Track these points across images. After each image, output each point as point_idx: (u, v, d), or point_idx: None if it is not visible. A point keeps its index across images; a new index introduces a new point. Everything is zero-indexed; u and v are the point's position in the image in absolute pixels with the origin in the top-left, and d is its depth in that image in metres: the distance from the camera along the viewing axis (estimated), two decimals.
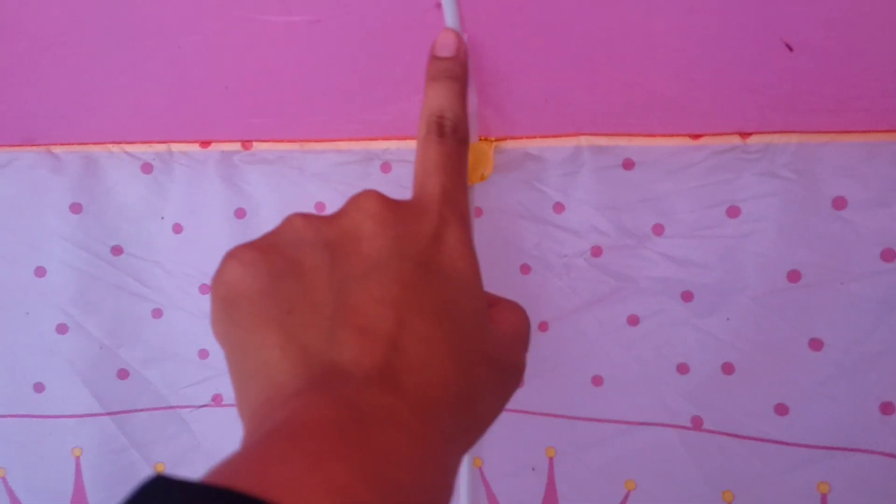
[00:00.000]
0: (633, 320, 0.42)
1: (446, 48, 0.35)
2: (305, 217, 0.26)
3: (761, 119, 0.38)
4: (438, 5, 0.36)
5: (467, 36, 0.37)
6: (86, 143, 0.46)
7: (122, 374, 0.47)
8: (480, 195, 0.43)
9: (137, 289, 0.46)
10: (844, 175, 0.37)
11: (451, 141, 0.30)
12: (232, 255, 0.25)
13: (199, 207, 0.46)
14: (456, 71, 0.34)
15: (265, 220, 0.45)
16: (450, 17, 0.36)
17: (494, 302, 0.29)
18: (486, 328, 0.25)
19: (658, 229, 0.41)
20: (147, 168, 0.45)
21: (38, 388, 0.47)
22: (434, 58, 0.35)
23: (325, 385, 0.20)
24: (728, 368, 0.41)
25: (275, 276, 0.23)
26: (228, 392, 0.47)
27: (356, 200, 0.26)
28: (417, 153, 0.30)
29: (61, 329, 0.46)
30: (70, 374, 0.47)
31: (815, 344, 0.39)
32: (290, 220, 0.26)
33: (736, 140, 0.39)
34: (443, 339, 0.23)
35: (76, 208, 0.45)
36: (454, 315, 0.24)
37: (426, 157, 0.29)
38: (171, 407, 0.48)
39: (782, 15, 0.34)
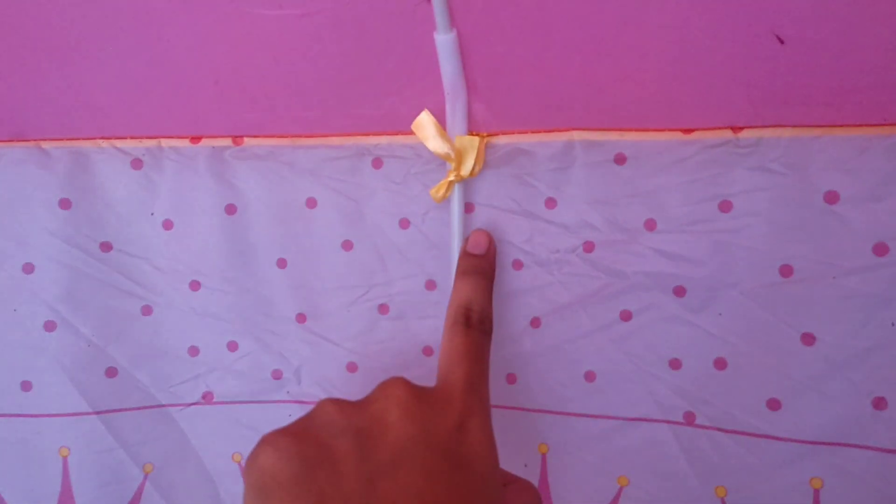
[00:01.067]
0: (626, 315, 0.42)
1: (478, 247, 0.40)
2: (337, 403, 0.28)
3: (753, 113, 0.38)
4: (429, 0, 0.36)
5: (456, 30, 0.37)
6: (75, 139, 0.45)
7: (111, 372, 0.47)
8: (471, 191, 0.43)
9: (126, 286, 0.46)
10: (836, 169, 0.37)
11: (477, 333, 0.33)
12: (266, 442, 0.26)
13: (190, 203, 0.45)
14: (485, 268, 0.38)
15: (256, 217, 0.45)
16: (440, 11, 0.36)
17: (510, 482, 0.31)
18: None
19: (650, 224, 0.41)
20: (137, 164, 0.45)
21: (25, 386, 0.47)
22: (466, 254, 0.39)
23: None
24: (720, 363, 0.41)
25: (307, 464, 0.24)
26: (219, 389, 0.47)
27: (385, 387, 0.28)
28: (444, 341, 0.33)
29: (49, 326, 0.46)
30: (58, 373, 0.46)
31: (808, 338, 0.39)
32: (322, 406, 0.28)
33: (728, 134, 0.39)
34: None
35: (65, 204, 0.45)
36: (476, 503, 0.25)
37: (452, 346, 0.32)
38: (160, 405, 0.47)
39: (774, 7, 0.34)
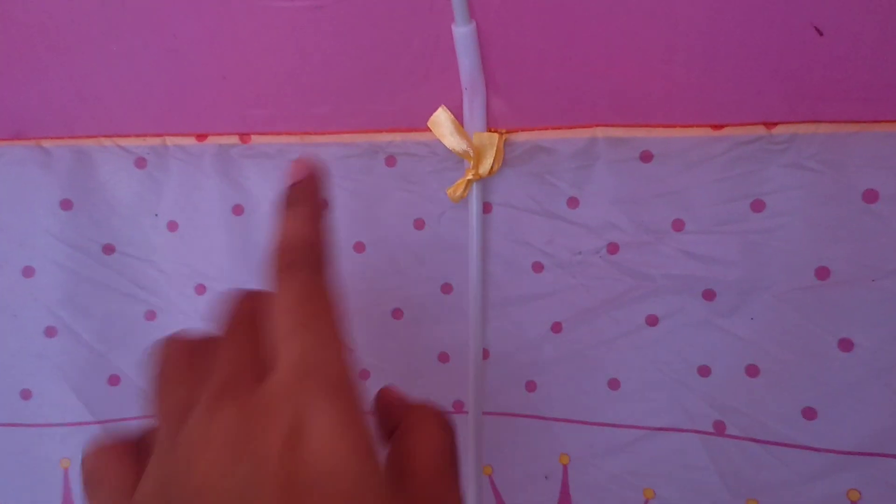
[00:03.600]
0: (652, 320, 0.40)
1: (289, 179, 0.26)
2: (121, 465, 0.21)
3: (788, 108, 0.36)
4: None
5: (475, 23, 0.36)
6: (77, 137, 0.44)
7: (114, 380, 0.45)
8: (490, 190, 0.41)
9: (130, 289, 0.44)
10: (875, 166, 0.36)
11: (302, 274, 0.22)
12: None
13: (195, 204, 0.44)
14: (302, 196, 0.26)
15: (264, 217, 0.43)
16: (458, 2, 0.35)
17: (403, 421, 0.23)
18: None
19: (678, 225, 0.39)
20: (141, 163, 0.43)
21: (25, 394, 0.45)
22: (283, 190, 0.27)
23: None
24: (752, 371, 0.39)
25: None
26: None
27: (191, 428, 0.20)
28: (269, 312, 0.22)
29: (50, 332, 0.44)
30: (59, 380, 0.44)
31: (845, 344, 0.37)
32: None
33: (761, 130, 0.37)
34: None
35: (66, 205, 0.43)
36: None
37: (277, 313, 0.22)
38: None
39: None
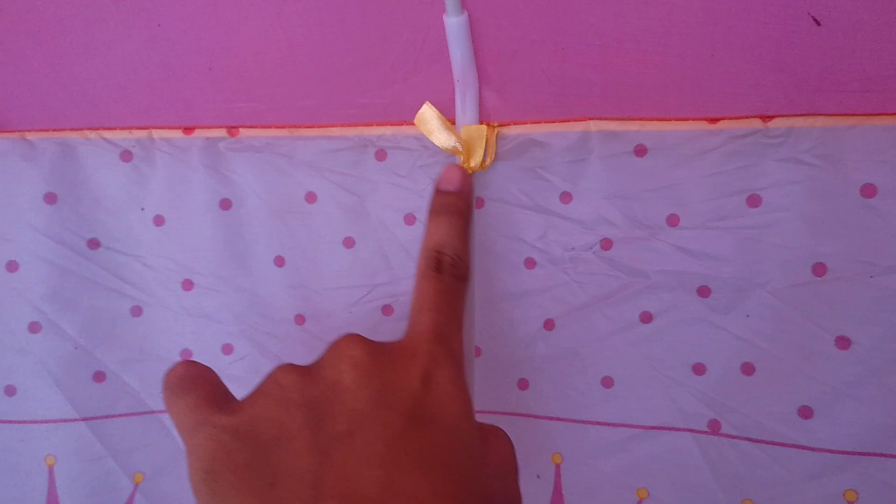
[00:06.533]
0: (646, 317, 0.39)
1: (451, 183, 0.36)
2: (288, 372, 0.25)
3: (785, 101, 0.36)
4: None
5: (467, 13, 0.35)
6: (62, 129, 0.43)
7: (99, 376, 0.44)
8: (481, 184, 0.40)
9: (115, 284, 0.44)
10: (874, 161, 0.35)
11: (449, 277, 0.30)
12: (213, 425, 0.24)
13: (182, 198, 0.43)
14: (459, 206, 0.34)
15: (252, 212, 0.43)
16: None
17: (485, 432, 0.28)
18: (482, 470, 0.24)
19: (672, 220, 0.38)
20: (126, 156, 0.43)
21: (9, 390, 0.44)
22: (438, 192, 0.36)
23: None
24: (748, 369, 0.38)
25: (258, 447, 0.22)
26: None
27: (337, 348, 0.26)
28: (414, 288, 0.30)
29: (34, 328, 0.43)
30: (43, 377, 0.44)
31: (842, 342, 0.36)
32: (274, 378, 0.25)
33: (757, 124, 0.36)
34: (435, 494, 0.21)
35: (51, 198, 0.43)
36: (447, 464, 0.22)
37: (422, 293, 0.29)
38: (151, 411, 0.45)
39: None
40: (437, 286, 0.29)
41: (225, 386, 0.28)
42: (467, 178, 0.37)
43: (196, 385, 0.27)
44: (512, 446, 0.28)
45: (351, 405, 0.23)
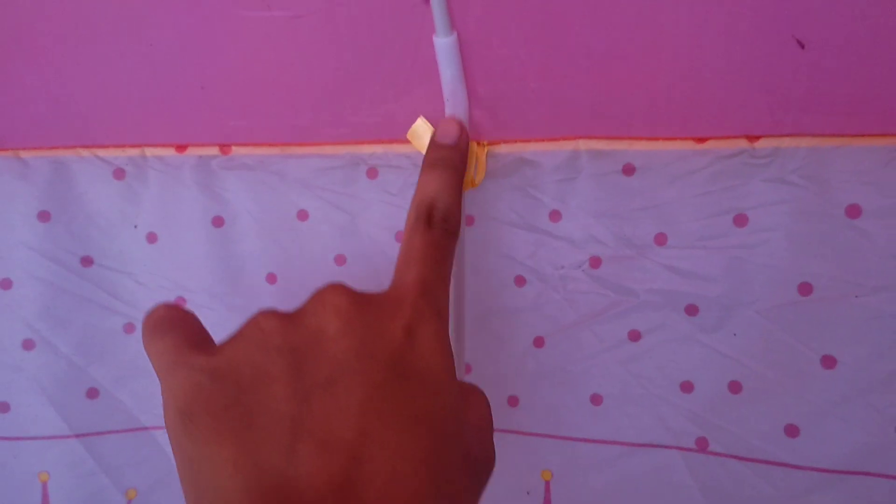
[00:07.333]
0: (634, 335, 0.40)
1: (448, 136, 0.35)
2: (270, 317, 0.25)
3: (771, 121, 0.36)
4: (427, 0, 0.34)
5: (457, 33, 0.35)
6: (55, 148, 0.43)
7: (92, 392, 0.44)
8: (472, 202, 0.41)
9: (109, 302, 0.44)
10: (859, 181, 0.35)
11: (439, 231, 0.30)
12: (191, 365, 0.24)
13: (175, 216, 0.43)
14: (454, 160, 0.34)
15: (244, 229, 0.43)
16: (439, 13, 0.34)
17: (464, 391, 0.28)
18: (461, 425, 0.24)
19: (660, 239, 0.39)
20: (119, 174, 0.43)
21: (3, 407, 0.44)
22: (435, 144, 0.35)
23: None
24: (735, 387, 0.38)
25: (237, 389, 0.22)
26: None
27: (321, 295, 0.26)
28: (403, 240, 0.30)
29: (27, 345, 0.44)
30: (37, 393, 0.44)
31: (828, 361, 0.37)
32: (255, 322, 0.25)
33: (743, 144, 0.37)
34: (414, 445, 0.21)
35: (44, 217, 0.43)
36: (427, 416, 0.22)
37: (410, 246, 0.29)
38: (144, 428, 0.45)
39: (794, 8, 0.32)
40: (427, 240, 0.29)
41: (205, 330, 0.28)
42: (464, 132, 0.36)
43: (175, 327, 0.27)
44: (488, 404, 0.28)
45: (333, 353, 0.23)
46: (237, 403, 0.22)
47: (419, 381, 0.23)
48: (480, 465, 0.25)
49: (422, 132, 0.38)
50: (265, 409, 0.22)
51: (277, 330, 0.24)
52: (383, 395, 0.22)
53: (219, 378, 0.23)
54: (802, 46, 0.33)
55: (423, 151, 0.39)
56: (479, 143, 0.40)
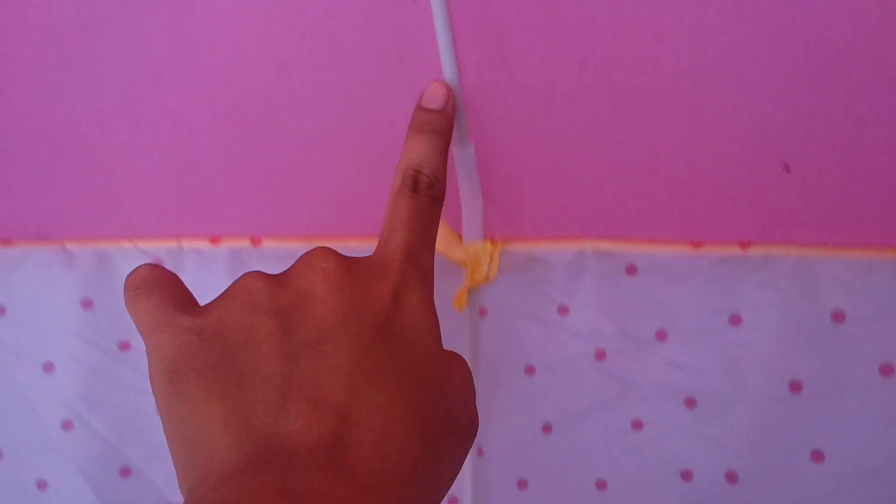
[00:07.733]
0: (637, 425, 0.42)
1: (434, 101, 0.34)
2: (257, 279, 0.25)
3: (761, 230, 0.39)
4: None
5: (473, 145, 0.39)
6: (99, 239, 0.46)
7: (125, 471, 0.47)
8: (486, 296, 0.44)
9: (143, 384, 0.46)
10: (843, 289, 0.38)
11: (425, 197, 0.29)
12: (177, 325, 0.23)
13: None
14: (440, 125, 0.33)
15: None
16: (457, 127, 0.37)
17: (445, 357, 0.28)
18: (446, 389, 0.24)
19: (661, 335, 0.41)
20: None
21: (42, 485, 0.47)
22: (420, 108, 0.34)
23: (264, 465, 0.19)
24: (732, 477, 0.41)
25: (224, 349, 0.22)
26: None
27: (310, 258, 0.26)
28: (388, 206, 0.29)
29: (67, 426, 0.46)
30: (74, 472, 0.46)
31: (817, 456, 0.39)
32: (242, 283, 0.25)
33: (737, 249, 0.40)
34: (402, 406, 0.22)
35: (87, 304, 0.46)
36: (414, 380, 0.23)
37: (396, 211, 0.29)
38: None
39: (780, 136, 0.36)
40: (412, 205, 0.29)
41: (190, 292, 0.27)
42: (451, 96, 0.35)
43: (160, 286, 0.26)
44: (468, 369, 0.28)
45: (322, 315, 0.23)
46: (225, 363, 0.22)
47: (406, 343, 0.23)
48: (465, 429, 0.25)
49: (441, 234, 0.41)
50: (254, 369, 0.22)
51: (265, 291, 0.24)
52: (372, 356, 0.22)
53: (206, 337, 0.22)
54: (788, 170, 0.37)
55: (441, 251, 0.42)
56: (493, 242, 0.43)
